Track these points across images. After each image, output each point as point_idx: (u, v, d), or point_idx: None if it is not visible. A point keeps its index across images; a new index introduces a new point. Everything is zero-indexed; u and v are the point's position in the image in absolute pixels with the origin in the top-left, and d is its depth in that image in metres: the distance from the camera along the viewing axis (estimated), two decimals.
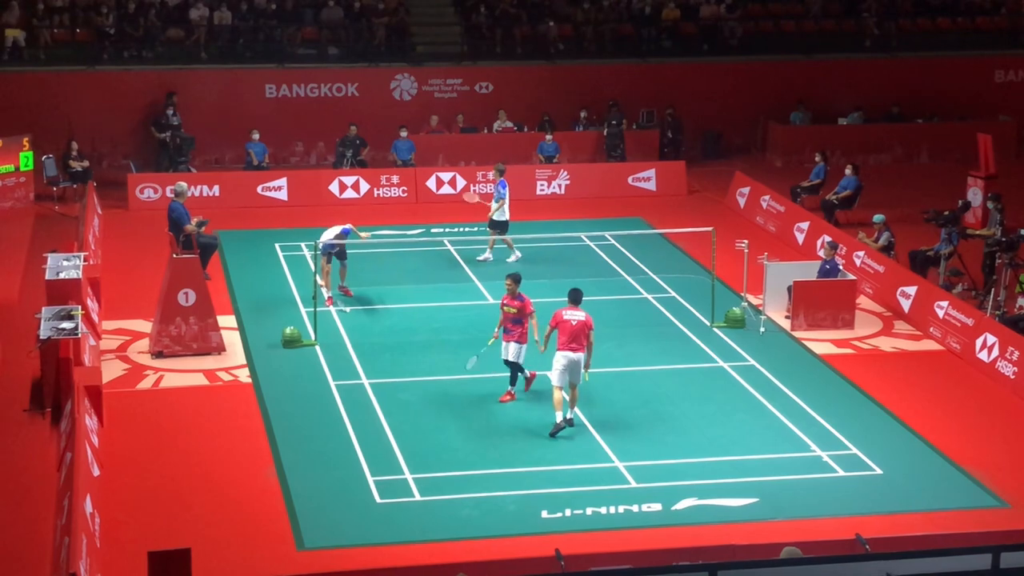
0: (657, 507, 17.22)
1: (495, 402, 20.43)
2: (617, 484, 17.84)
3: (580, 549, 15.66)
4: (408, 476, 18.01)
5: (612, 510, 17.09)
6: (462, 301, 25.13)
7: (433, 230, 29.53)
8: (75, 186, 32.28)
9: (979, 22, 40.23)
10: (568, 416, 19.37)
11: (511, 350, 20.19)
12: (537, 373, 20.59)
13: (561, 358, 19.21)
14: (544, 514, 16.99)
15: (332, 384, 21.21)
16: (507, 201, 27.05)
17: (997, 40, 39.94)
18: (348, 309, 24.36)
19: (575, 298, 19.66)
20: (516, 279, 20.35)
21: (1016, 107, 38.26)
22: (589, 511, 17.06)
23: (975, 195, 30.08)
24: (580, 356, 19.21)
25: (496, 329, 20.40)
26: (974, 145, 31.05)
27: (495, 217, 27.05)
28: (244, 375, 21.57)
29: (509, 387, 20.48)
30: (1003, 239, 25.05)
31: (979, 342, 22.32)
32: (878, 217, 27.15)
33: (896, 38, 39.52)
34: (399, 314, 24.47)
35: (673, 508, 17.19)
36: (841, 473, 18.33)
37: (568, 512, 17.03)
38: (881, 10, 39.89)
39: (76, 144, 32.74)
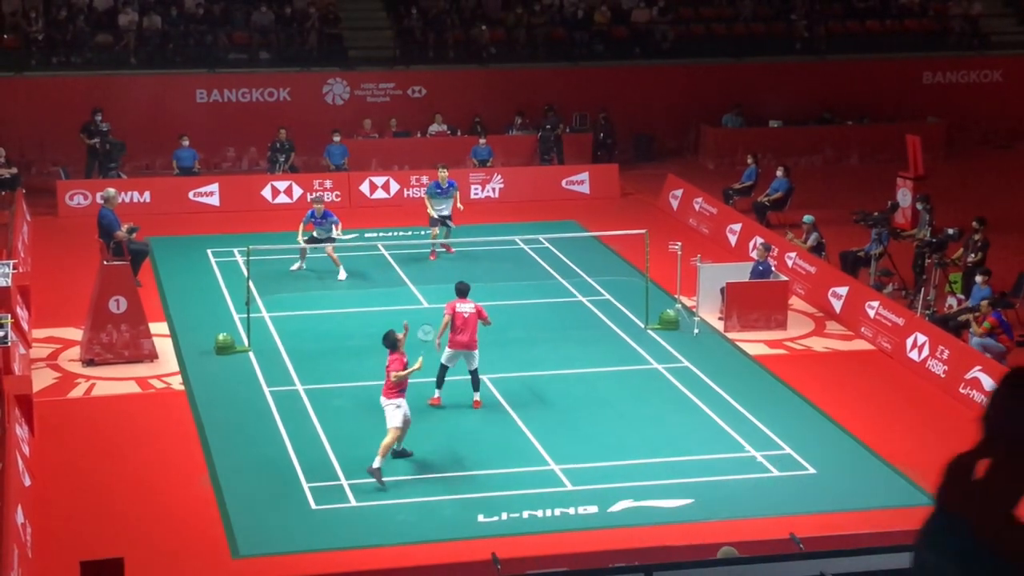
0: (593, 509, 17.25)
1: (429, 407, 20.40)
2: (553, 487, 17.86)
3: (517, 552, 15.66)
4: (343, 482, 17.94)
5: (548, 513, 17.10)
6: (396, 306, 25.05)
7: (367, 234, 29.42)
8: (3, 193, 31.89)
9: (907, 24, 40.63)
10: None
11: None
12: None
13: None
14: (480, 518, 16.97)
15: (266, 390, 21.09)
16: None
17: (925, 42, 40.36)
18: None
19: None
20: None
21: (944, 108, 38.68)
22: (525, 514, 17.06)
23: (904, 196, 30.37)
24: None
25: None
26: (903, 146, 31.36)
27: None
28: (177, 382, 21.41)
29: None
30: (932, 239, 25.31)
31: (910, 341, 22.53)
32: (807, 218, 27.38)
33: (825, 41, 39.86)
34: (333, 319, 24.37)
35: (609, 510, 17.22)
36: (775, 473, 18.44)
37: (504, 516, 17.02)
38: (811, 13, 40.21)
39: (4, 151, 32.37)
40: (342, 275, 26.52)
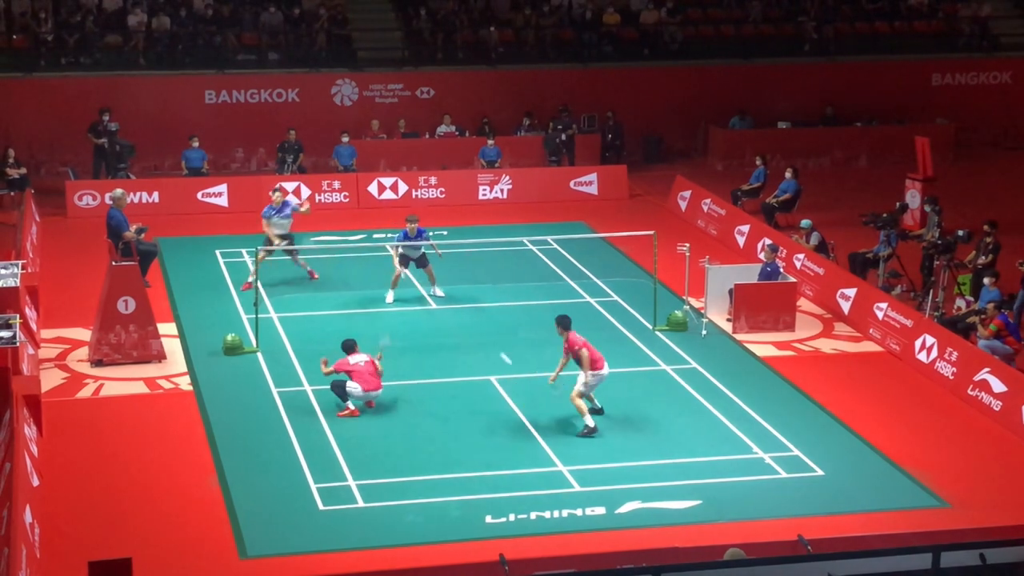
0: (601, 510, 17.24)
1: (438, 408, 20.41)
2: (561, 488, 17.85)
3: (524, 554, 15.66)
4: (351, 483, 17.95)
5: (556, 514, 17.10)
6: (404, 307, 25.07)
7: (375, 235, 29.45)
8: (12, 194, 31.99)
9: (916, 26, 40.59)
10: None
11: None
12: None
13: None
14: (488, 519, 16.97)
15: (274, 391, 21.10)
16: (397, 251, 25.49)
17: (934, 44, 40.33)
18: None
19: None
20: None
21: (953, 110, 38.64)
22: (533, 515, 17.06)
23: (913, 197, 30.37)
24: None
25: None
26: (912, 148, 31.34)
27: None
28: (185, 383, 21.43)
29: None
30: (941, 241, 25.29)
31: (918, 343, 22.50)
32: (805, 223, 27.45)
33: (834, 42, 39.81)
34: (341, 320, 24.36)
35: (617, 511, 17.21)
36: (783, 475, 18.42)
37: (512, 517, 17.02)
38: (820, 14, 40.18)
39: (13, 151, 32.43)
40: (438, 291, 25.33)
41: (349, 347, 20.39)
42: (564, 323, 19.79)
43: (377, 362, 20.17)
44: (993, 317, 22.08)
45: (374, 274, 26.89)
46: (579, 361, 19.43)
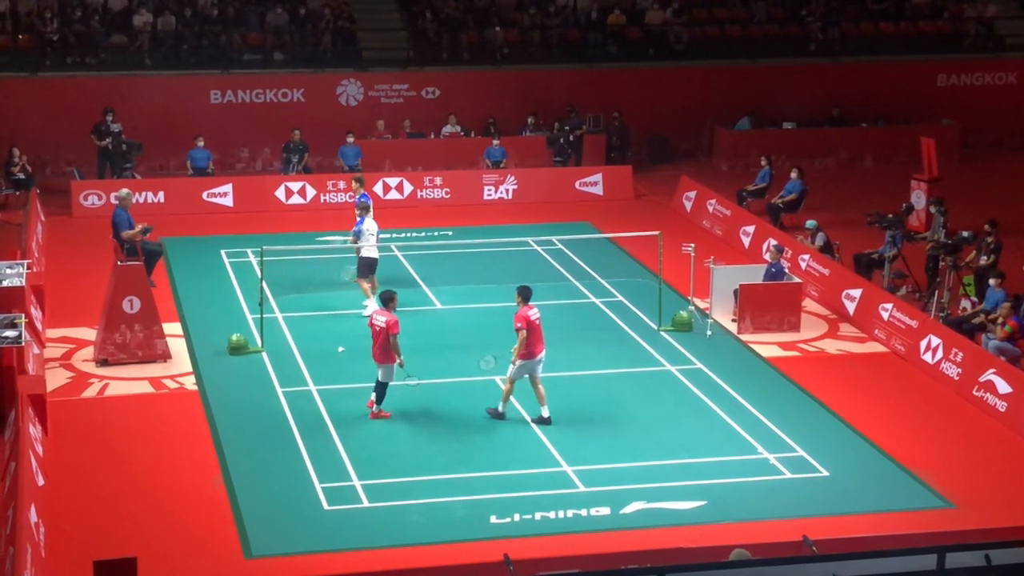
0: (606, 511, 17.24)
1: (443, 408, 20.40)
2: (566, 488, 17.85)
3: (529, 554, 15.66)
4: (356, 482, 17.95)
5: (561, 514, 17.10)
6: (409, 307, 25.04)
7: (380, 235, 29.39)
8: (18, 193, 32.02)
9: (922, 26, 40.56)
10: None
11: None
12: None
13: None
14: (493, 519, 16.97)
15: (279, 391, 21.10)
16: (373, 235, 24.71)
17: (940, 44, 40.31)
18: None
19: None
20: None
21: (959, 111, 38.62)
22: (538, 516, 17.06)
23: (919, 198, 30.35)
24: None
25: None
26: (917, 148, 31.32)
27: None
28: (190, 383, 21.44)
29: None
30: (946, 242, 25.27)
31: (923, 344, 22.48)
32: (810, 223, 27.47)
33: (840, 43, 39.80)
34: (346, 320, 24.37)
35: (621, 512, 17.21)
36: (788, 475, 18.41)
37: (517, 517, 17.02)
38: (825, 15, 40.17)
39: (18, 151, 32.45)
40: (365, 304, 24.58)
41: (387, 299, 19.91)
42: (523, 293, 19.85)
43: (394, 334, 19.57)
44: (1008, 317, 22.01)
45: (379, 274, 26.89)
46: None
